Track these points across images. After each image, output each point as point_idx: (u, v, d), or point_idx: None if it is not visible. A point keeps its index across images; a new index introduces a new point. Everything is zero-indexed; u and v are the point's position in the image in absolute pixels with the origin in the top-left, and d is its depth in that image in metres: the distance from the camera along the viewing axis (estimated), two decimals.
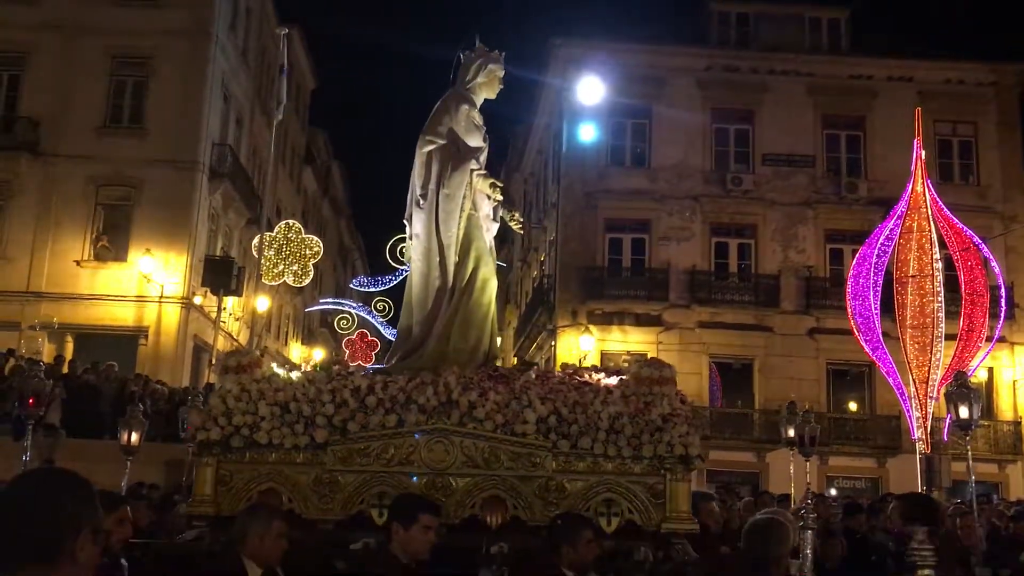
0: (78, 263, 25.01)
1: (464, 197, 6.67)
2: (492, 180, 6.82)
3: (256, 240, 22.95)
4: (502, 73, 7.14)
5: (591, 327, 26.04)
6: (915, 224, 20.24)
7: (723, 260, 27.11)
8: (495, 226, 7.00)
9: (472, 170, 6.73)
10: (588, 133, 26.74)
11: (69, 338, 24.42)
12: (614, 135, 27.60)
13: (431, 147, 6.73)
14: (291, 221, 27.12)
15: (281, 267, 24.88)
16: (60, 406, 15.44)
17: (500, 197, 6.86)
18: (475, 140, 6.86)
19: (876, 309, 20.44)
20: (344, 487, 5.70)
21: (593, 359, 25.80)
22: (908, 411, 20.74)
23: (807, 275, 26.57)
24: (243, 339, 29.55)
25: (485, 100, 7.21)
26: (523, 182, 39.52)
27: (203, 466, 5.82)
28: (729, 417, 26.11)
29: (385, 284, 25.72)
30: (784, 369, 25.82)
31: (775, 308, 26.19)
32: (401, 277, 23.31)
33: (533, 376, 6.30)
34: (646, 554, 5.47)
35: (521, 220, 7.17)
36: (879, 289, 20.41)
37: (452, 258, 6.63)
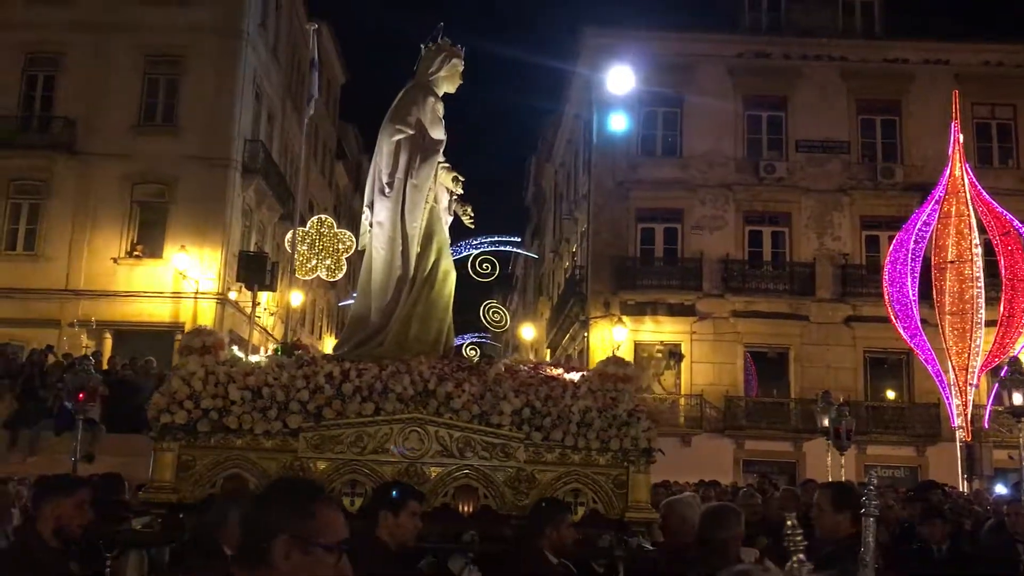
0: (115, 260, 25.34)
1: (429, 189, 6.73)
2: (454, 174, 6.89)
3: (289, 235, 23.11)
4: (462, 67, 7.16)
5: (624, 318, 25.95)
6: (953, 209, 19.92)
7: (757, 248, 26.86)
8: (449, 219, 7.05)
9: (438, 163, 6.80)
10: (619, 123, 26.59)
11: (107, 334, 24.76)
12: (645, 124, 27.43)
13: (400, 136, 6.72)
14: (323, 216, 27.18)
15: (314, 262, 24.92)
16: (100, 401, 15.67)
17: (460, 191, 6.94)
18: (438, 132, 6.89)
19: (914, 296, 20.15)
20: (315, 474, 5.62)
21: (627, 350, 25.71)
22: (948, 399, 20.45)
23: (843, 262, 26.26)
24: (278, 333, 29.79)
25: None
26: (553, 173, 39.43)
27: (163, 451, 5.64)
28: (765, 407, 25.92)
29: None
30: (820, 358, 25.57)
31: (810, 296, 25.92)
32: None
33: (503, 369, 6.36)
34: (610, 541, 5.65)
35: (472, 215, 7.17)
36: (917, 275, 20.12)
37: (415, 248, 6.66)
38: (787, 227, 26.84)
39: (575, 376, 6.41)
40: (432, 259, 6.70)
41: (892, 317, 20.59)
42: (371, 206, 6.86)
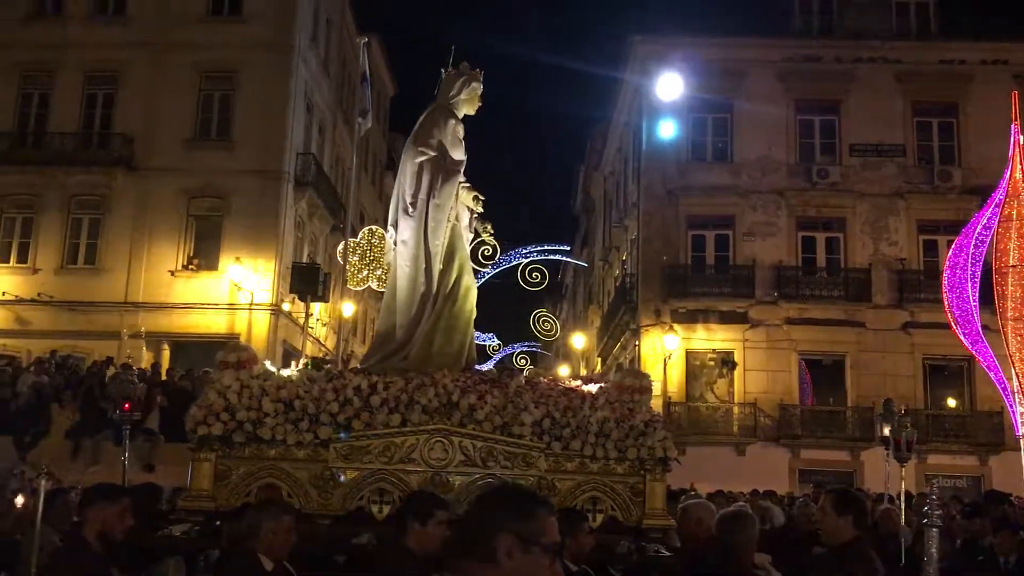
0: (172, 273, 25.86)
1: (451, 208, 6.93)
2: (475, 193, 7.07)
3: (340, 246, 23.36)
4: (481, 90, 7.37)
5: (675, 326, 25.73)
6: (1014, 212, 19.37)
7: (810, 255, 26.47)
8: (470, 237, 7.26)
9: (459, 183, 7.00)
10: (668, 130, 26.46)
11: (165, 346, 25.27)
12: (695, 131, 27.23)
13: (422, 158, 6.94)
14: (374, 227, 27.32)
15: (365, 272, 25.10)
16: (159, 412, 15.98)
17: (481, 209, 7.12)
18: (459, 153, 7.11)
19: (975, 301, 19.65)
20: (344, 483, 5.82)
21: (678, 358, 25.52)
22: (1011, 407, 19.87)
23: (899, 268, 25.76)
24: (330, 344, 30.11)
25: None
26: (602, 181, 39.33)
27: (201, 461, 5.88)
28: (821, 415, 25.50)
29: None
30: (877, 365, 25.09)
31: (866, 303, 25.47)
32: (483, 280, 23.39)
33: (523, 382, 6.52)
34: (627, 547, 5.78)
35: (492, 232, 7.36)
36: (977, 280, 19.62)
37: (437, 266, 6.86)
38: (841, 232, 26.43)
39: (593, 388, 6.54)
40: (454, 276, 6.92)
41: (952, 323, 20.09)
42: (395, 225, 7.11)
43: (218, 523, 5.75)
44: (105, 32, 26.79)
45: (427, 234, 6.83)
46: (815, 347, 25.71)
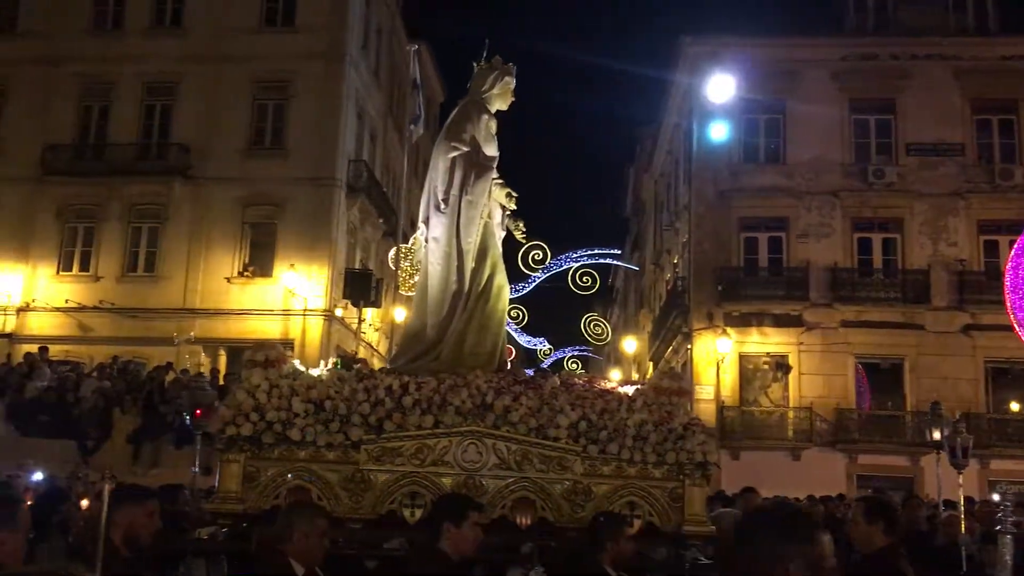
0: (228, 280, 26.31)
1: (484, 205, 6.76)
2: (508, 190, 6.93)
3: (392, 252, 23.55)
4: (514, 84, 7.18)
5: (728, 329, 25.47)
6: None
7: (866, 256, 26.00)
8: (501, 235, 7.10)
9: (492, 179, 6.83)
10: (719, 131, 26.22)
11: (222, 351, 25.71)
12: (746, 132, 26.93)
13: (455, 153, 6.78)
14: None
15: (417, 277, 25.41)
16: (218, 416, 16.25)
17: (514, 207, 6.99)
18: (491, 149, 6.93)
19: None
20: (376, 486, 5.67)
21: (731, 362, 25.26)
22: None
23: (959, 269, 25.18)
24: (383, 348, 30.37)
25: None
26: (653, 183, 39.10)
27: (229, 462, 5.74)
28: (879, 419, 25.02)
29: (518, 291, 25.86)
30: (937, 368, 24.53)
31: (925, 305, 24.93)
32: (534, 284, 23.39)
33: (558, 383, 6.40)
34: (666, 554, 5.64)
35: (524, 231, 7.24)
36: None
37: (470, 264, 6.70)
38: (899, 233, 25.92)
39: (629, 390, 6.42)
40: (487, 274, 6.75)
41: (1015, 325, 19.54)
42: (426, 222, 6.96)
43: (246, 525, 5.65)
44: (162, 44, 27.40)
45: (459, 231, 6.70)
46: (872, 350, 25.25)
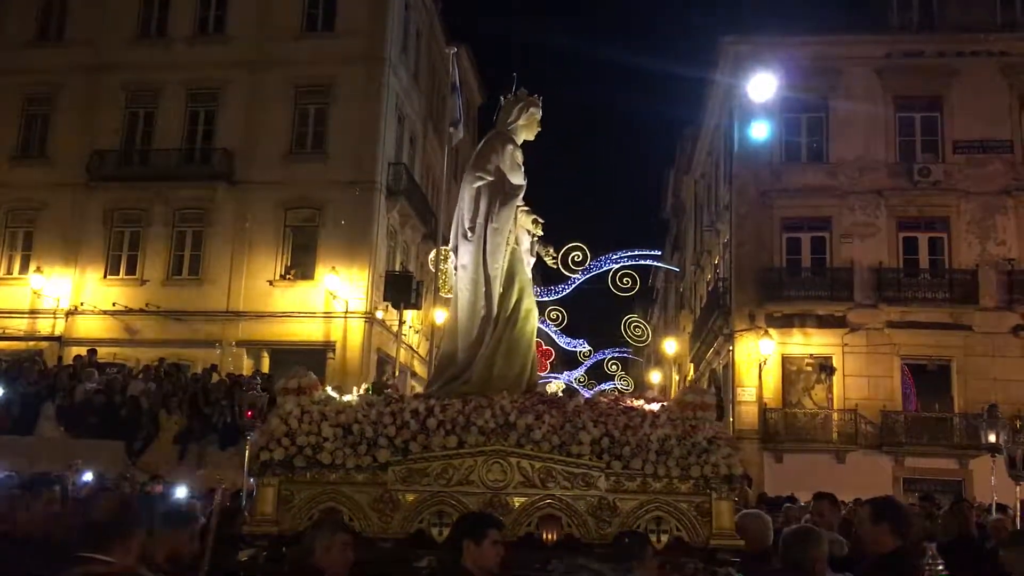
0: (270, 283, 26.61)
1: (510, 232, 6.93)
2: (534, 216, 7.09)
3: (432, 254, 23.66)
4: (540, 115, 7.37)
5: (770, 330, 25.21)
6: None
7: (912, 256, 25.59)
8: (532, 260, 7.27)
9: (517, 206, 7.01)
10: (760, 131, 25.98)
11: (265, 354, 26.00)
12: (788, 131, 26.66)
13: (480, 183, 6.96)
14: None
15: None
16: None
17: (540, 232, 7.14)
18: (517, 178, 7.08)
19: None
20: (404, 506, 5.82)
21: (774, 363, 25.00)
22: None
23: (1009, 268, 24.69)
24: (423, 351, 30.52)
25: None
26: (693, 184, 38.85)
27: (265, 486, 5.93)
28: (926, 422, 24.59)
29: (558, 293, 25.87)
30: (987, 370, 24.05)
31: (973, 305, 24.46)
32: (574, 286, 23.35)
33: (582, 401, 6.52)
34: (695, 569, 5.63)
35: (555, 256, 7.42)
36: None
37: (497, 289, 6.83)
38: (945, 232, 25.47)
39: (655, 407, 6.48)
40: (514, 299, 6.89)
41: None
42: (455, 250, 7.15)
43: (284, 548, 5.80)
44: (206, 51, 27.83)
45: (486, 258, 6.86)
46: (919, 351, 24.83)
